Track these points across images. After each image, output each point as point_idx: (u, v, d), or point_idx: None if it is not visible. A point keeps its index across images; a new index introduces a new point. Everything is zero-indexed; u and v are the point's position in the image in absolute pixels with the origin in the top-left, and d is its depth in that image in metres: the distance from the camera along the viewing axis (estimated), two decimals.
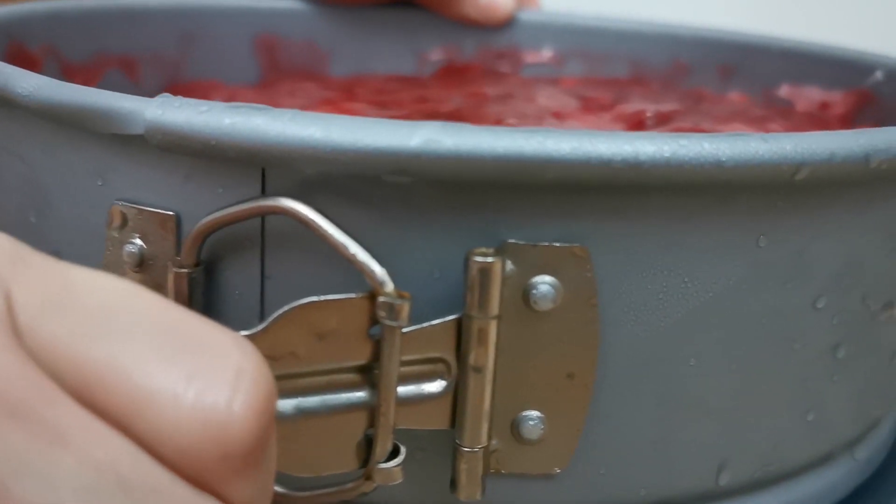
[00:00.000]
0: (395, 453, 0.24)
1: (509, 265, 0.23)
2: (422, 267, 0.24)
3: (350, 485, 0.24)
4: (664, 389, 0.26)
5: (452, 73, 0.51)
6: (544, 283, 0.23)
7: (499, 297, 0.23)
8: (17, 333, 0.17)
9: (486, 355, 0.23)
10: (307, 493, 0.25)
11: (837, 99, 0.44)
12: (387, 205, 0.24)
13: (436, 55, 0.53)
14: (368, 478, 0.24)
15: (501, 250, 0.23)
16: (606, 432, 0.26)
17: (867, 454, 0.32)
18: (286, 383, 0.23)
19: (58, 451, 0.16)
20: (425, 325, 0.23)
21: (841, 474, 0.31)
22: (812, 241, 0.26)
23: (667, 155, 0.22)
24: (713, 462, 0.27)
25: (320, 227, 0.23)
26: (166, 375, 0.17)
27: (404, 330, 0.23)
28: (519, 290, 0.24)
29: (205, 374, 0.17)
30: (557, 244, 0.23)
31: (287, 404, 0.23)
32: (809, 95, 0.46)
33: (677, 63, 0.51)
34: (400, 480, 0.24)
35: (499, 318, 0.23)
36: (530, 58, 0.54)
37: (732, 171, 0.23)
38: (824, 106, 0.45)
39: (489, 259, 0.23)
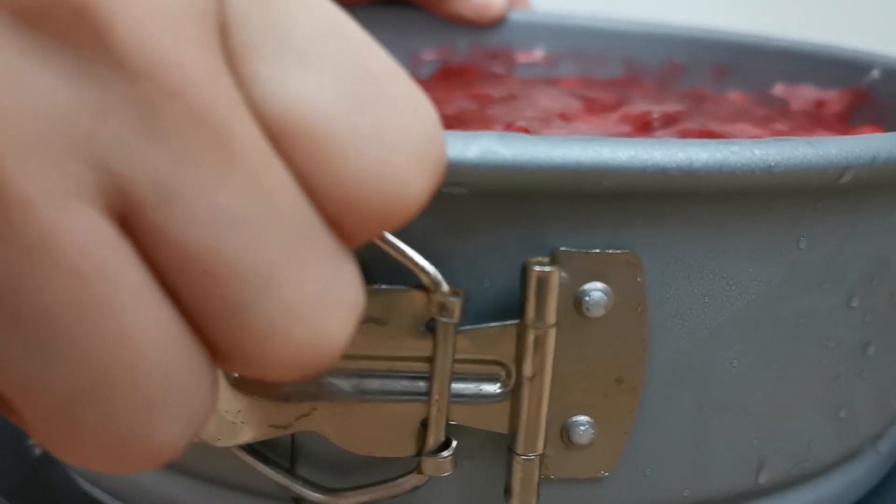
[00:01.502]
0: (446, 447, 0.24)
1: (562, 273, 0.23)
2: (473, 276, 0.24)
3: (401, 480, 0.24)
4: (706, 392, 0.26)
5: (451, 75, 0.51)
6: (596, 289, 0.24)
7: (555, 307, 0.23)
8: (222, 32, 0.16)
9: (544, 363, 0.23)
10: (358, 491, 0.25)
11: (833, 97, 0.45)
12: (440, 214, 0.23)
13: (429, 55, 0.53)
14: (419, 471, 0.24)
15: (554, 258, 0.23)
16: (651, 435, 0.26)
17: (889, 448, 0.33)
18: (347, 363, 0.23)
19: (227, 164, 0.15)
20: (483, 326, 0.23)
21: (866, 469, 0.31)
22: (846, 242, 0.26)
23: (719, 161, 0.23)
24: (752, 461, 0.28)
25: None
26: (355, 126, 0.16)
27: (461, 328, 0.23)
28: (571, 297, 0.24)
29: (394, 135, 0.17)
30: (609, 251, 0.24)
31: (347, 383, 0.23)
32: (804, 94, 0.47)
33: (671, 63, 0.51)
34: (449, 472, 0.24)
35: (556, 325, 0.23)
36: (523, 58, 0.54)
37: (781, 176, 0.23)
38: (820, 104, 0.46)
39: (547, 268, 0.23)
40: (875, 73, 0.43)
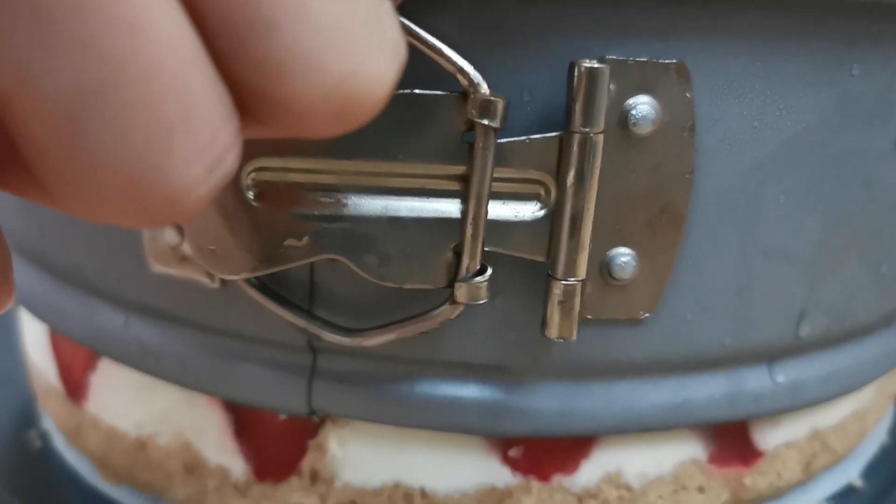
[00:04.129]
0: (481, 273, 0.22)
1: (610, 85, 0.22)
2: (512, 88, 0.22)
3: (432, 313, 0.23)
4: (751, 233, 0.25)
5: None
6: (643, 103, 0.22)
7: (604, 110, 0.21)
8: None
9: (588, 174, 0.22)
10: (382, 330, 0.23)
11: None
12: (477, 23, 0.22)
13: None
14: (453, 300, 0.22)
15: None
16: (693, 277, 0.25)
17: None
18: (375, 180, 0.21)
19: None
20: (523, 138, 0.22)
21: None
22: None
23: None
24: (793, 313, 0.26)
25: (413, 29, 0.21)
26: None
27: (500, 141, 0.21)
28: (617, 112, 0.22)
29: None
30: (658, 61, 0.22)
31: (376, 203, 0.22)
32: None
33: None
34: (485, 300, 0.22)
35: (602, 135, 0.22)
36: None
37: None
38: None
39: (597, 65, 0.21)
40: None
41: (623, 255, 0.23)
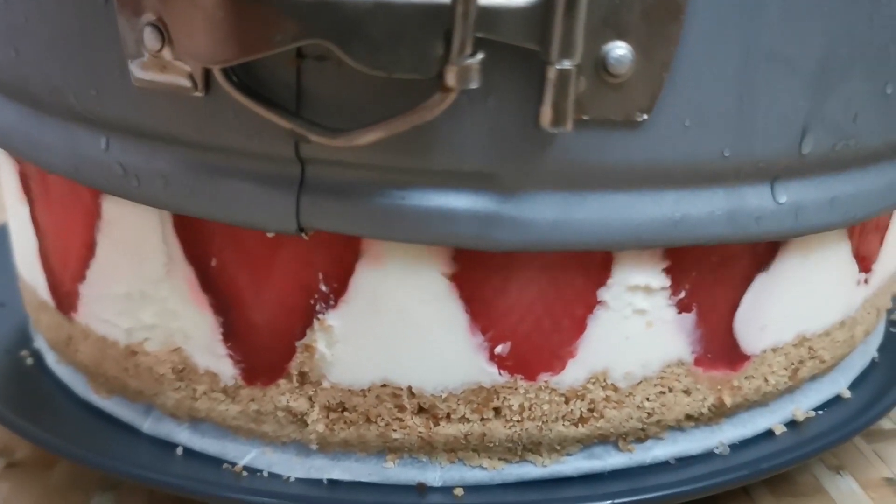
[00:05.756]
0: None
1: None
2: None
3: (422, 105, 0.22)
4: (752, 35, 0.24)
5: None
6: None
7: None
8: None
9: None
10: (371, 128, 0.23)
11: None
12: None
13: None
14: (444, 87, 0.22)
15: None
16: (692, 80, 0.24)
17: None
18: None
19: None
20: None
21: None
22: None
23: None
24: (796, 126, 0.26)
25: None
26: None
27: None
28: None
29: None
30: None
31: None
32: None
33: None
34: (477, 85, 0.22)
35: None
36: None
37: None
38: None
39: None
40: None
41: (619, 48, 0.23)
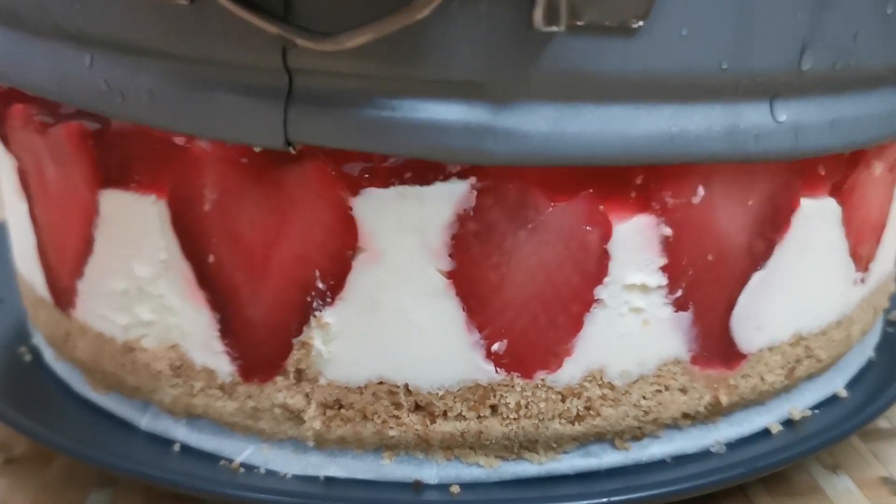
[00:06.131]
0: None
1: None
2: None
3: (415, 2, 0.21)
4: None
5: None
6: None
7: None
8: None
9: None
10: (359, 30, 0.22)
11: None
12: None
13: None
14: None
15: None
16: None
17: None
18: None
19: None
20: None
21: None
22: None
23: None
24: (796, 41, 0.25)
25: None
26: None
27: None
28: None
29: None
30: None
31: None
32: None
33: None
34: None
35: None
36: None
37: None
38: None
39: None
40: None
41: None
